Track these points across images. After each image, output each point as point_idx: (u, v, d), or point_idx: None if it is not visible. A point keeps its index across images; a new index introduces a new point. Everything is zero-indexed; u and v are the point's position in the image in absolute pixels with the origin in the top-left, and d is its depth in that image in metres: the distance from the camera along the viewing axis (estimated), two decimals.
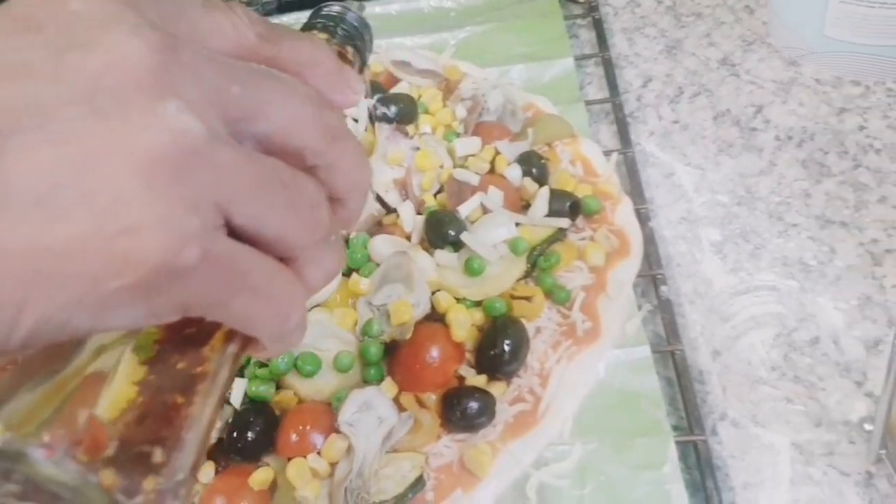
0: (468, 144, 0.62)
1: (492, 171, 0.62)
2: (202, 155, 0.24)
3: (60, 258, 0.22)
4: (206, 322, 0.27)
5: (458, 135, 0.64)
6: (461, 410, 0.50)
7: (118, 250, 0.23)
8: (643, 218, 0.61)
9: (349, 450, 0.49)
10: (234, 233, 0.26)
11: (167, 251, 0.23)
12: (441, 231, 0.56)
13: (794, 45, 0.72)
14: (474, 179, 0.59)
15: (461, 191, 0.59)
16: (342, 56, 0.38)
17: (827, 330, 0.55)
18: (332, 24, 0.39)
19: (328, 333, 0.53)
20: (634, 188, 0.64)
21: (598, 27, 0.79)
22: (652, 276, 0.58)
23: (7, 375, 0.25)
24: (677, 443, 0.50)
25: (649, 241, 0.60)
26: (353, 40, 0.39)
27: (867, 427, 0.49)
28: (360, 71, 0.41)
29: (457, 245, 0.56)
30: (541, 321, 0.55)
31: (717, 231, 0.62)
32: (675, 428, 0.51)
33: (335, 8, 0.40)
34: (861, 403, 0.52)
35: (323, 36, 0.39)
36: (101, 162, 0.23)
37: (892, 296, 0.56)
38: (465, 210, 0.57)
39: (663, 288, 0.57)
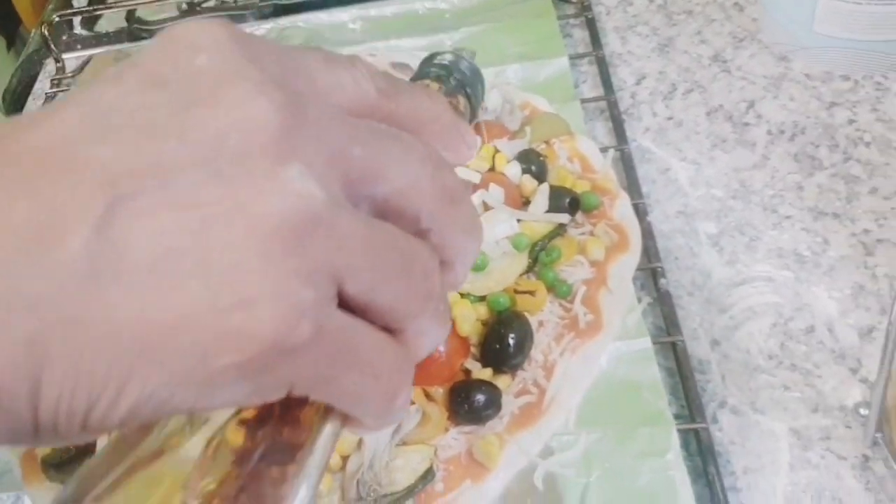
0: None
1: (492, 169, 0.63)
2: (322, 223, 0.23)
3: (170, 332, 0.21)
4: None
5: None
6: (468, 403, 0.51)
7: (231, 325, 0.21)
8: (641, 213, 0.63)
9: (360, 444, 0.50)
10: (343, 303, 0.24)
11: (281, 328, 0.22)
12: None
13: (784, 41, 0.73)
14: (475, 177, 0.60)
15: (467, 189, 0.60)
16: (454, 107, 0.37)
17: (822, 318, 0.56)
18: (444, 73, 0.39)
19: None
20: (631, 184, 0.65)
21: (591, 26, 0.80)
22: (651, 269, 0.60)
23: (97, 459, 0.24)
24: (679, 431, 0.51)
25: (647, 235, 0.61)
26: (465, 90, 0.39)
27: (863, 412, 0.51)
28: (471, 121, 0.40)
29: None
30: (543, 315, 0.56)
31: (714, 224, 0.63)
32: (677, 416, 0.52)
33: (448, 57, 0.40)
34: (856, 389, 0.53)
35: (435, 86, 0.38)
36: (218, 228, 0.21)
37: (885, 284, 0.57)
38: None
39: (662, 281, 0.59)
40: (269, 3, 0.92)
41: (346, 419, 0.26)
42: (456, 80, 0.38)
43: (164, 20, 0.93)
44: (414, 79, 0.39)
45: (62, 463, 0.54)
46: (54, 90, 0.86)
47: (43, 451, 0.55)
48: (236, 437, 0.24)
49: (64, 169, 0.21)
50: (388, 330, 0.26)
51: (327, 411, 0.25)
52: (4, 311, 0.20)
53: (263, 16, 0.91)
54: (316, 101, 0.25)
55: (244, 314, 0.21)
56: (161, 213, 0.21)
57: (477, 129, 0.65)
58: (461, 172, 0.61)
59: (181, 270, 0.21)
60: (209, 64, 0.23)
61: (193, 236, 0.21)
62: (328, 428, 0.25)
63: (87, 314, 0.20)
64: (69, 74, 0.87)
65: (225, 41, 0.24)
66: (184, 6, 0.96)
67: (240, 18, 0.90)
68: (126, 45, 0.90)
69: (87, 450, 0.53)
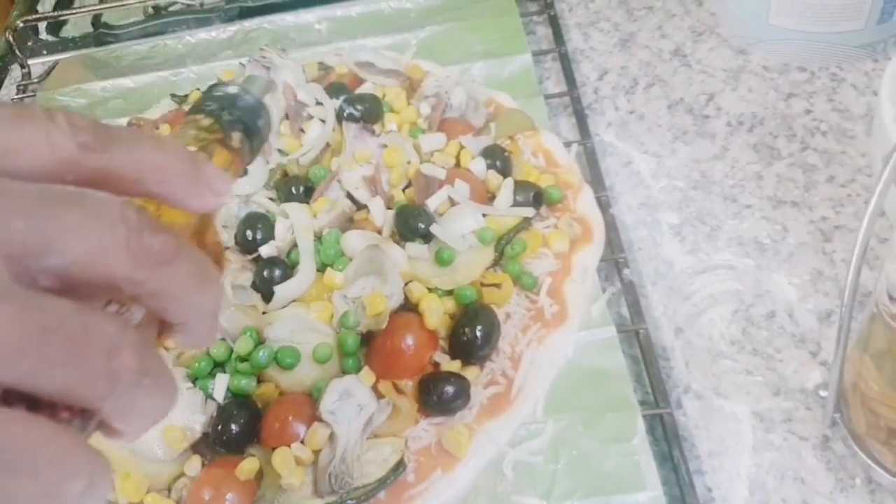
0: (433, 140, 0.64)
1: (457, 165, 0.64)
2: None
3: None
4: None
5: (423, 131, 0.66)
6: (438, 395, 0.52)
7: None
8: (604, 205, 0.64)
9: (331, 437, 0.50)
10: (8, 392, 0.23)
11: None
12: (411, 224, 0.58)
13: (742, 34, 0.75)
14: (441, 174, 0.61)
15: (429, 185, 0.61)
16: (225, 144, 0.35)
17: (782, 304, 0.57)
18: (219, 106, 0.37)
19: (306, 327, 0.55)
20: (595, 177, 0.66)
21: (554, 23, 0.81)
22: (614, 259, 0.61)
23: None
24: (644, 416, 0.52)
25: (611, 227, 0.62)
26: (243, 124, 0.36)
27: (822, 394, 0.52)
28: (250, 157, 0.38)
29: (427, 237, 0.58)
30: (510, 307, 0.57)
31: (675, 214, 0.64)
32: (642, 403, 0.53)
33: (230, 89, 0.38)
34: (816, 372, 0.54)
35: (206, 122, 0.36)
36: None
37: (842, 269, 0.59)
38: (433, 203, 0.59)
39: (626, 271, 0.60)
40: (235, 5, 0.92)
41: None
42: (230, 115, 0.36)
43: (131, 24, 0.93)
44: (189, 112, 0.37)
45: None
46: (20, 96, 0.86)
47: None
48: None
49: None
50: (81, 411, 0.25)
51: None
52: None
53: (229, 18, 0.91)
54: None
55: None
56: None
57: (441, 125, 0.66)
58: (428, 169, 0.62)
59: None
60: None
61: None
62: None
63: None
64: (35, 80, 0.87)
65: None
66: (150, 10, 0.96)
67: (206, 21, 0.90)
68: (92, 50, 0.90)
69: None
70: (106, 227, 0.25)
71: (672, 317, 0.58)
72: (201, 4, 0.94)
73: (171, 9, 0.95)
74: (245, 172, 0.39)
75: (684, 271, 0.61)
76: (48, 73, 0.88)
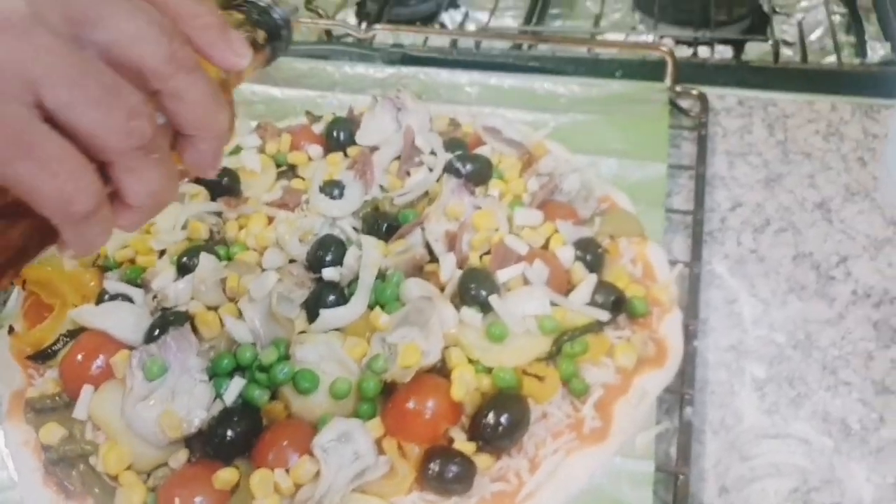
0: (529, 216, 0.61)
1: (545, 247, 0.60)
2: (17, 30, 0.28)
3: None
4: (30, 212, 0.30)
5: (524, 206, 0.63)
6: (439, 471, 0.48)
7: None
8: (690, 335, 0.59)
9: (318, 475, 0.48)
10: (50, 120, 0.29)
11: None
12: (473, 288, 0.55)
13: None
14: (523, 249, 0.58)
15: (507, 257, 0.58)
16: (252, 39, 0.41)
17: (852, 499, 0.50)
18: (252, 9, 0.42)
19: (335, 358, 0.53)
20: (691, 304, 0.61)
21: (702, 143, 0.77)
22: (681, 394, 0.55)
23: None
24: None
25: (689, 359, 0.57)
26: (268, 27, 0.43)
27: None
28: (267, 62, 0.45)
29: (486, 307, 0.55)
30: (550, 407, 0.53)
31: (764, 369, 0.58)
32: None
33: (263, 1, 0.43)
34: None
35: (239, 16, 0.42)
36: None
37: None
38: (504, 276, 0.56)
39: (688, 409, 0.54)
40: (399, 50, 0.94)
41: (52, 237, 0.32)
42: (259, 18, 0.42)
43: (301, 42, 0.98)
44: (223, 7, 0.42)
45: (43, 409, 0.54)
46: None
47: (31, 393, 0.55)
48: None
49: None
50: (104, 166, 0.31)
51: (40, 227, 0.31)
52: None
53: (390, 61, 0.93)
54: None
55: None
56: None
57: (544, 205, 0.63)
58: (511, 241, 0.59)
59: None
60: None
61: None
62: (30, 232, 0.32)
63: None
64: None
65: None
66: (324, 36, 1.00)
67: (368, 58, 0.93)
68: None
69: (68, 404, 0.54)
70: (148, 22, 0.31)
71: (722, 473, 0.52)
72: (370, 43, 0.97)
73: (344, 39, 0.99)
74: (264, 65, 0.45)
75: (753, 430, 0.54)
76: None
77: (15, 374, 0.57)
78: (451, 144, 0.69)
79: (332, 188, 0.65)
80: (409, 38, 1.02)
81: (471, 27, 1.12)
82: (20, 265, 0.33)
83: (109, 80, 0.30)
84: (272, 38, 0.43)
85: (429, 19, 1.12)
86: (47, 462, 0.51)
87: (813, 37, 1.03)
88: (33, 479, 0.51)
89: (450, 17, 1.14)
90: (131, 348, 0.54)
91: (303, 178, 0.69)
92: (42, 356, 0.57)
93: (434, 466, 0.48)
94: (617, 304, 0.57)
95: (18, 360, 0.58)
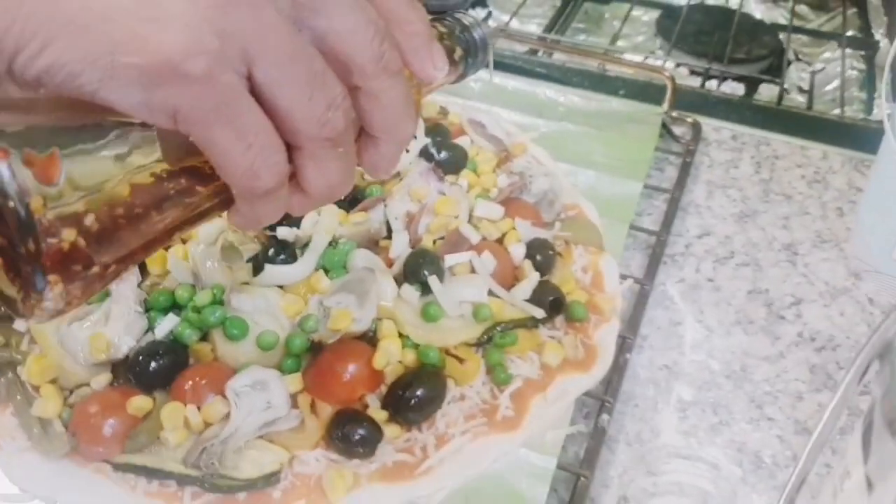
0: (489, 209, 0.63)
1: (500, 241, 0.62)
2: (249, 4, 0.28)
3: (95, 18, 0.27)
4: (213, 177, 0.31)
5: (489, 199, 0.64)
6: (345, 432, 0.49)
7: (142, 32, 0.27)
8: (625, 347, 0.59)
9: (227, 416, 0.49)
10: (254, 93, 0.30)
11: (180, 51, 0.27)
12: (417, 267, 0.56)
13: (864, 258, 0.68)
14: (475, 238, 0.60)
15: (459, 244, 0.59)
16: (450, 53, 0.41)
17: None
18: (456, 24, 0.43)
19: (269, 311, 0.54)
20: (633, 319, 0.62)
21: (685, 169, 0.78)
22: (602, 401, 0.56)
23: (35, 128, 0.30)
24: None
25: (618, 370, 0.58)
26: (466, 46, 0.43)
27: None
28: (459, 78, 0.45)
29: (426, 289, 0.56)
30: (469, 391, 0.53)
31: (692, 392, 0.59)
32: None
33: (467, 19, 0.44)
34: None
35: (442, 29, 0.42)
36: None
37: None
38: (450, 260, 0.57)
39: (604, 416, 0.55)
40: None
41: (228, 202, 0.33)
42: (461, 36, 0.43)
43: None
44: (431, 19, 0.42)
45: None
46: None
47: None
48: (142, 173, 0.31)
49: None
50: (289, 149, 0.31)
51: (218, 191, 0.32)
52: None
53: None
54: None
55: (156, 28, 0.27)
56: None
57: (508, 202, 0.64)
58: (466, 229, 0.60)
59: None
60: None
61: None
62: (210, 197, 0.33)
63: None
64: None
65: None
66: None
67: None
68: None
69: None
70: (366, 20, 0.32)
71: (626, 483, 0.53)
72: None
73: None
74: (454, 81, 0.46)
75: (666, 447, 0.55)
76: None
77: None
78: (433, 130, 0.70)
79: None
80: None
81: (492, 25, 1.13)
82: (194, 225, 0.34)
83: (319, 67, 0.31)
84: (468, 55, 0.44)
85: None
86: None
87: (828, 87, 1.03)
88: None
89: (473, 13, 1.15)
90: None
91: None
92: None
93: (342, 427, 0.49)
94: (555, 304, 0.58)
95: None
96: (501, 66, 0.93)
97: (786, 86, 0.97)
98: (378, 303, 0.55)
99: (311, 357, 0.53)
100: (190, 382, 0.51)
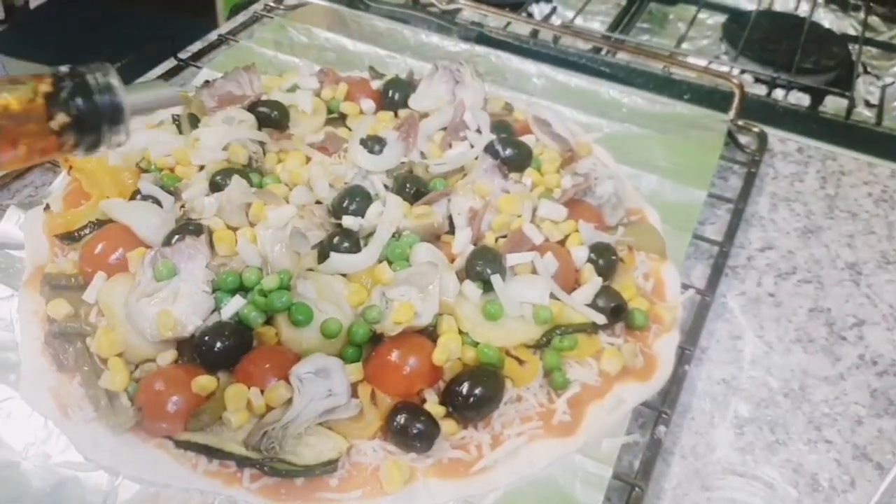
0: (553, 210, 0.62)
1: (562, 242, 0.61)
2: None
3: None
4: None
5: (553, 200, 0.64)
6: (404, 425, 0.50)
7: None
8: (684, 358, 0.59)
9: (289, 402, 0.49)
10: None
11: None
12: (480, 265, 0.56)
13: None
14: (538, 239, 0.59)
15: (521, 243, 0.59)
16: (43, 119, 0.35)
17: None
18: (69, 83, 0.36)
19: (333, 299, 0.55)
20: (693, 331, 0.61)
21: (749, 180, 0.77)
22: (659, 412, 0.55)
23: None
24: None
25: (676, 381, 0.57)
26: (76, 114, 0.36)
27: None
28: (69, 150, 0.37)
29: (488, 287, 0.56)
30: (526, 392, 0.53)
31: (750, 409, 0.58)
32: None
33: (95, 76, 0.37)
34: None
35: (43, 86, 0.36)
36: None
37: None
38: (512, 260, 0.57)
39: (661, 428, 0.54)
40: (478, 29, 0.95)
41: None
42: (75, 102, 0.38)
43: (386, 3, 1.00)
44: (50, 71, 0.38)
45: (58, 285, 0.57)
46: (262, 13, 0.94)
47: (50, 269, 0.58)
48: None
49: None
50: None
51: None
52: None
53: (466, 37, 0.94)
54: None
55: None
56: None
57: (572, 203, 0.64)
58: (529, 229, 0.60)
59: None
60: None
61: None
62: None
63: None
64: (282, 7, 0.95)
65: None
66: (409, 1, 1.02)
67: (446, 30, 0.95)
68: (341, 7, 0.97)
69: (81, 286, 0.57)
70: None
71: (680, 497, 0.52)
72: (452, 17, 0.99)
73: (429, 8, 1.01)
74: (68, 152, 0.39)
75: (721, 463, 0.54)
76: (296, 6, 0.95)
77: (42, 248, 0.61)
78: (499, 127, 0.70)
79: (374, 143, 0.66)
80: (492, 20, 1.03)
81: (556, 22, 1.12)
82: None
83: None
84: (77, 128, 0.36)
85: (517, 6, 1.12)
86: (49, 334, 0.54)
87: None
88: (33, 347, 0.54)
89: (538, 8, 1.14)
90: (149, 247, 0.56)
91: (349, 129, 0.71)
92: (69, 237, 0.60)
93: (400, 419, 0.50)
94: (616, 311, 0.58)
95: (48, 237, 0.61)
96: (565, 63, 0.93)
97: (853, 97, 0.95)
98: (440, 298, 0.55)
99: (370, 347, 0.54)
100: (254, 365, 0.51)
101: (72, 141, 0.37)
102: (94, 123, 0.37)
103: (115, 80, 0.38)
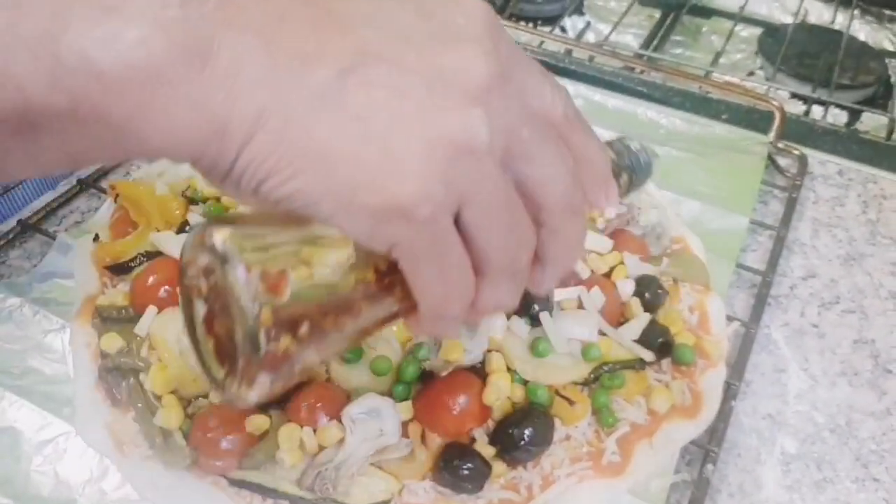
0: (598, 241, 0.62)
1: (608, 275, 0.61)
2: (475, 157, 0.31)
3: (343, 161, 0.29)
4: (402, 287, 0.34)
5: (597, 231, 0.64)
6: (454, 466, 0.50)
7: (382, 180, 0.30)
8: (730, 394, 0.59)
9: (341, 442, 0.50)
10: (457, 224, 0.32)
11: (410, 199, 0.30)
12: (527, 301, 0.56)
13: None
14: (584, 273, 0.59)
15: (567, 278, 0.59)
16: (615, 174, 0.42)
17: None
18: (624, 150, 0.44)
19: (383, 336, 0.55)
20: (739, 364, 0.61)
21: (790, 205, 0.76)
22: (706, 450, 0.56)
23: (254, 214, 0.34)
24: None
25: (723, 418, 0.57)
26: (632, 173, 0.44)
27: None
28: (623, 197, 0.45)
29: (535, 322, 0.56)
30: (574, 431, 0.54)
31: (796, 445, 0.58)
32: None
33: (636, 144, 0.45)
34: None
35: (612, 154, 0.44)
36: (412, 118, 0.30)
37: None
38: (559, 295, 0.57)
39: (709, 466, 0.54)
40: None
41: (411, 311, 0.35)
42: (630, 162, 0.44)
43: None
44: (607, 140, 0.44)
45: (109, 318, 0.58)
46: None
47: (101, 301, 0.59)
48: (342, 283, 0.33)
49: (338, 28, 0.30)
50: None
51: (402, 299, 0.35)
52: (251, 87, 0.28)
53: None
54: (517, 88, 0.33)
55: (394, 179, 0.30)
56: (381, 90, 0.30)
57: (616, 234, 0.64)
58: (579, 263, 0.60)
59: (374, 129, 0.29)
60: (464, 23, 0.32)
61: (392, 116, 0.30)
62: (396, 307, 0.35)
63: (301, 121, 0.29)
64: None
65: (483, 17, 0.33)
66: None
67: None
68: None
69: (132, 319, 0.57)
70: (565, 170, 0.34)
71: None
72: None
73: None
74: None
75: (769, 502, 0.54)
76: None
77: (92, 279, 0.61)
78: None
79: None
80: (525, 37, 1.02)
81: (590, 37, 1.12)
82: (379, 329, 0.36)
83: (519, 214, 0.33)
84: (632, 180, 0.45)
85: (551, 21, 1.12)
86: (102, 368, 0.55)
87: None
88: (86, 381, 0.55)
89: (572, 24, 1.14)
90: None
91: None
92: (118, 268, 0.60)
93: (451, 460, 0.50)
94: (664, 347, 0.58)
95: (97, 267, 0.62)
96: (601, 82, 0.92)
97: (893, 117, 0.94)
98: (488, 335, 0.55)
99: (420, 385, 0.54)
100: (305, 404, 0.52)
101: (625, 191, 0.45)
102: (639, 180, 0.46)
103: (638, 144, 0.46)
